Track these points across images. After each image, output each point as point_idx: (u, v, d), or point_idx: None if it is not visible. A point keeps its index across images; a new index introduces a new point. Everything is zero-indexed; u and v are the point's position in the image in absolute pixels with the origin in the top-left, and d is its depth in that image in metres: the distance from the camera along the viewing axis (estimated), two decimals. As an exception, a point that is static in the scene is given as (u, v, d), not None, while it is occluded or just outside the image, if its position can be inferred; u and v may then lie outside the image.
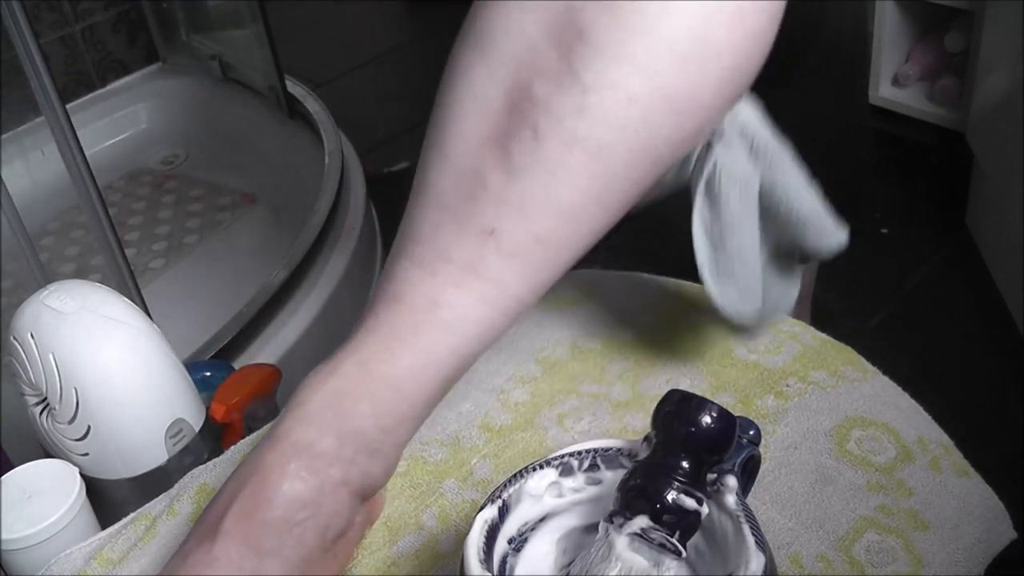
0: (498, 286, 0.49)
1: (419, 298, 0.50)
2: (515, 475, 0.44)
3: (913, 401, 0.60)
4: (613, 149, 0.48)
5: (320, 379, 0.50)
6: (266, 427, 0.63)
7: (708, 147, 0.58)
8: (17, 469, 0.61)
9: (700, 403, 0.41)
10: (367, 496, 0.51)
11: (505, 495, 0.43)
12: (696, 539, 0.42)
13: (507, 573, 0.43)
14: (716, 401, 0.41)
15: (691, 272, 0.70)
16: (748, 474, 0.48)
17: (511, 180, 0.49)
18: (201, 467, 0.61)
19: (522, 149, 0.48)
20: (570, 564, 0.43)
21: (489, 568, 0.41)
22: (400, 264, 0.51)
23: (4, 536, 0.58)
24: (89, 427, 0.62)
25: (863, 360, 0.62)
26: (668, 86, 0.47)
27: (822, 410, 0.59)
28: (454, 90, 0.51)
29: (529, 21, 0.49)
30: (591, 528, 0.45)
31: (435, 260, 0.50)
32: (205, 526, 0.49)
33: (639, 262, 0.74)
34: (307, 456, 0.49)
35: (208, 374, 0.76)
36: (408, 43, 2.30)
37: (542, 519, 0.45)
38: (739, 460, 0.44)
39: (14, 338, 0.62)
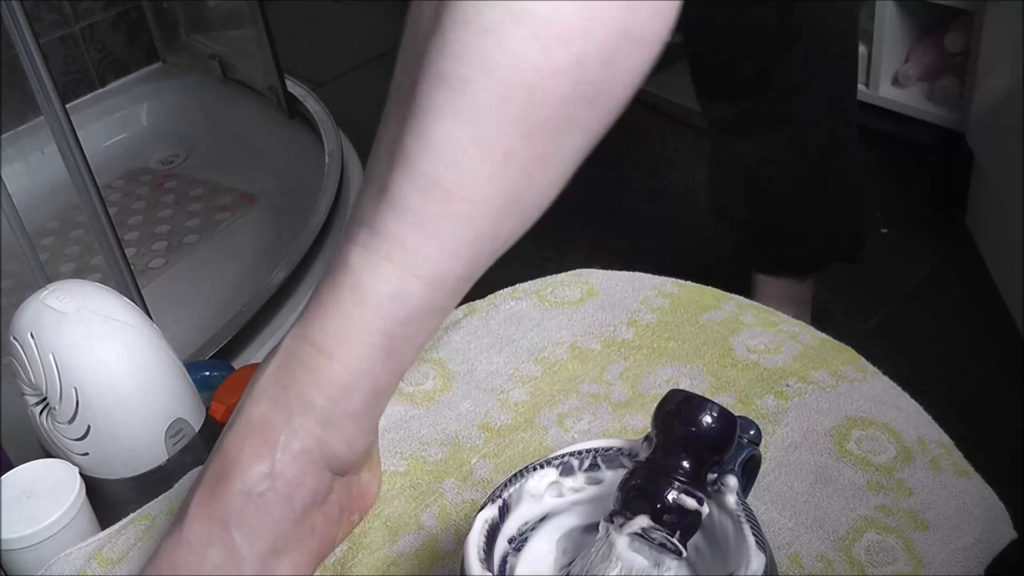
0: (398, 243, 0.49)
1: (339, 264, 0.51)
2: (515, 475, 0.44)
3: (913, 401, 0.60)
4: (476, 83, 0.47)
5: (268, 357, 0.52)
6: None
7: None
8: (17, 469, 0.61)
9: (700, 403, 0.41)
10: (336, 468, 0.52)
11: (505, 495, 0.43)
12: (696, 539, 0.42)
13: (507, 573, 0.43)
14: (716, 401, 0.41)
15: (691, 272, 0.71)
16: (748, 474, 0.48)
17: (398, 135, 0.49)
18: (200, 467, 0.61)
19: (405, 101, 0.49)
20: (570, 564, 0.43)
21: (489, 568, 0.41)
22: (340, 242, 0.53)
23: (4, 536, 0.58)
24: (89, 427, 0.62)
25: (863, 360, 0.62)
26: (522, 10, 0.46)
27: (822, 410, 0.59)
28: None
29: None
30: (591, 528, 0.45)
31: (352, 226, 0.52)
32: (176, 517, 0.51)
33: (639, 262, 0.75)
34: (260, 430, 0.50)
35: (208, 374, 0.76)
36: (408, 43, 2.30)
37: (542, 519, 0.45)
38: (739, 460, 0.44)
39: (14, 338, 0.62)
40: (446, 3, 0.48)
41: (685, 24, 1.15)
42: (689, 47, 1.14)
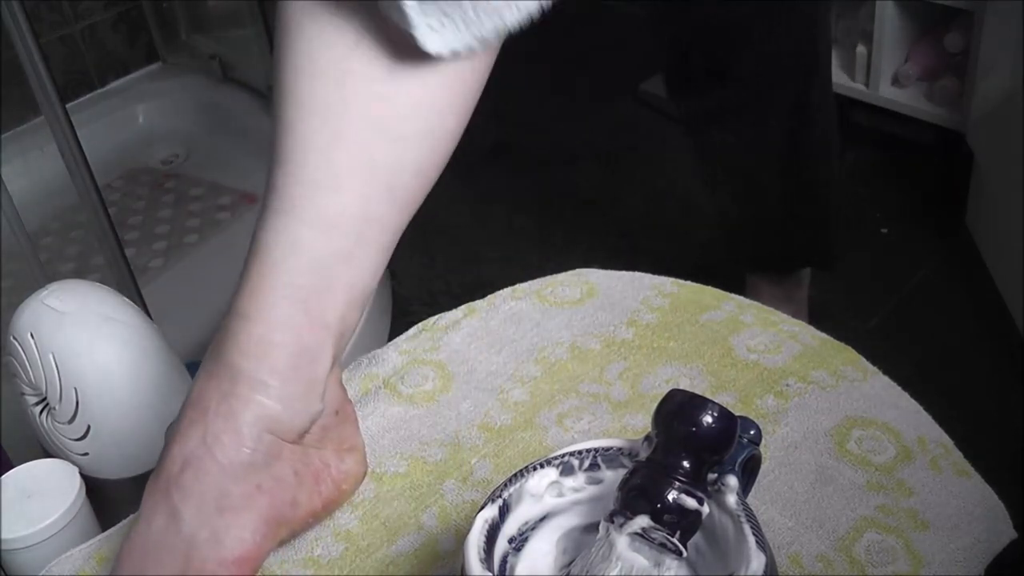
0: (286, 197, 0.52)
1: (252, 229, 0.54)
2: (515, 475, 0.44)
3: (913, 401, 0.60)
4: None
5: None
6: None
7: None
8: (17, 469, 0.61)
9: (701, 403, 0.41)
10: (280, 433, 0.52)
11: (505, 495, 0.43)
12: (697, 539, 0.42)
13: (507, 573, 0.43)
14: (716, 401, 0.41)
15: (691, 272, 0.71)
16: (748, 474, 0.48)
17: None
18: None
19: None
20: (570, 564, 0.43)
21: (489, 568, 0.41)
22: None
23: (4, 536, 0.58)
24: (89, 427, 0.62)
25: (863, 360, 0.62)
26: None
27: (822, 410, 0.59)
28: None
29: None
30: (591, 528, 0.45)
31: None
32: None
33: (639, 262, 0.75)
34: (196, 402, 0.52)
35: (208, 374, 0.76)
36: (408, 43, 2.30)
37: (542, 519, 0.45)
38: (739, 460, 0.44)
39: (14, 338, 0.62)
40: None
41: (658, 20, 1.16)
42: (661, 44, 1.16)
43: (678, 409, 0.41)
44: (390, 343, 0.67)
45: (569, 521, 0.45)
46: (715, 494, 0.42)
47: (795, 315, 1.14)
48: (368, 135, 0.53)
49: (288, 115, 0.53)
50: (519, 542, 0.44)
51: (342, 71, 0.52)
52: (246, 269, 0.53)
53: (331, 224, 0.53)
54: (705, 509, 0.41)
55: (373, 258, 0.54)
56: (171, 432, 0.52)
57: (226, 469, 0.50)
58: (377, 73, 0.52)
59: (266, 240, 0.53)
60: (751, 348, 0.63)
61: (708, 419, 0.41)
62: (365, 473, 0.57)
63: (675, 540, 0.40)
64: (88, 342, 0.61)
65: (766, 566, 0.39)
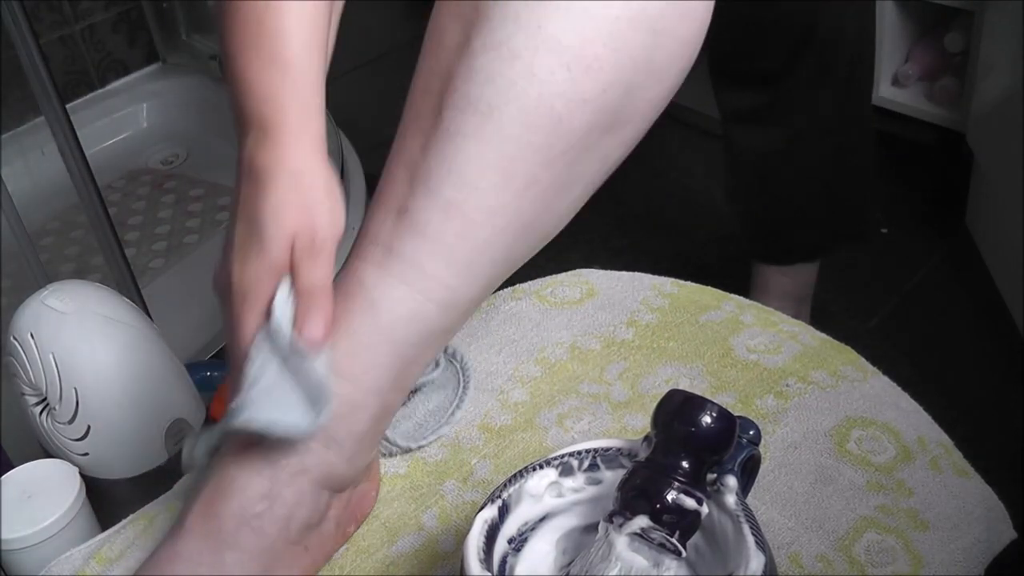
0: (415, 266, 0.49)
1: (351, 282, 0.51)
2: (515, 475, 0.44)
3: (913, 401, 0.60)
4: (503, 109, 0.47)
5: None
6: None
7: None
8: (17, 469, 0.61)
9: (700, 403, 0.41)
10: (335, 487, 0.51)
11: (505, 495, 0.43)
12: (696, 539, 0.42)
13: (507, 573, 0.43)
14: (716, 401, 0.41)
15: (691, 272, 0.71)
16: (748, 474, 0.48)
17: (420, 157, 0.49)
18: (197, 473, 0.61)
19: (429, 125, 0.49)
20: (570, 564, 0.43)
21: (489, 568, 0.41)
22: (348, 256, 0.53)
23: (4, 536, 0.58)
24: (89, 427, 0.62)
25: (863, 360, 0.62)
26: (551, 39, 0.46)
27: (822, 410, 0.59)
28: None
29: (441, 8, 0.51)
30: (591, 528, 0.45)
31: (364, 244, 0.51)
32: (174, 526, 0.50)
33: (639, 262, 0.74)
34: (261, 448, 0.49)
35: (208, 374, 0.76)
36: (408, 43, 2.30)
37: (542, 519, 0.45)
38: (739, 460, 0.44)
39: (14, 338, 0.62)
40: (476, 25, 0.48)
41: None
42: (710, 38, 1.15)
43: (678, 409, 0.41)
44: (390, 343, 0.67)
45: (569, 521, 0.45)
46: (714, 494, 0.42)
47: (799, 313, 1.13)
48: (516, 238, 0.51)
49: (438, 182, 0.49)
50: (519, 542, 0.44)
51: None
52: (346, 320, 0.50)
53: (455, 304, 0.51)
54: (704, 509, 0.41)
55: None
56: (228, 463, 0.49)
57: (284, 532, 0.49)
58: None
59: (382, 302, 0.50)
60: (751, 348, 0.63)
61: (707, 419, 0.41)
62: (379, 481, 0.57)
63: (674, 540, 0.40)
64: (88, 342, 0.61)
65: (765, 566, 0.39)
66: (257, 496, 0.49)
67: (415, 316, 0.50)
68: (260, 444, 0.49)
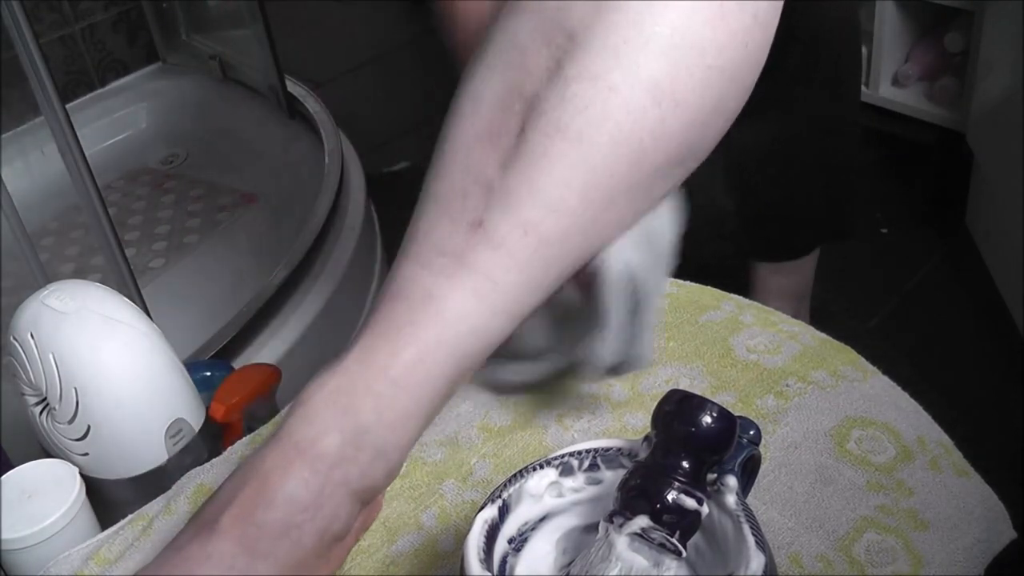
0: (488, 279, 0.50)
1: (415, 292, 0.51)
2: (515, 475, 0.44)
3: (913, 401, 0.60)
4: (593, 138, 0.49)
5: (324, 377, 0.51)
6: (264, 427, 0.63)
7: None
8: (17, 469, 0.61)
9: (700, 403, 0.41)
10: (366, 500, 0.51)
11: (505, 495, 0.43)
12: (696, 539, 0.42)
13: (507, 573, 0.43)
14: (716, 401, 0.41)
15: (691, 272, 0.71)
16: (748, 474, 0.48)
17: (499, 174, 0.50)
18: (199, 467, 0.61)
19: (510, 143, 0.50)
20: (570, 564, 0.43)
21: (489, 568, 0.41)
22: (401, 263, 0.52)
23: (4, 536, 0.58)
24: (89, 427, 0.62)
25: (863, 360, 0.62)
26: (648, 78, 0.49)
27: (822, 410, 0.59)
28: (458, 96, 0.53)
29: (522, 26, 0.51)
30: (591, 528, 0.45)
31: (430, 254, 0.51)
32: (202, 522, 0.49)
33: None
34: (310, 456, 0.49)
35: (208, 374, 0.76)
36: (408, 43, 2.30)
37: (542, 519, 0.45)
38: (739, 460, 0.44)
39: (14, 338, 0.62)
40: (571, 54, 0.49)
41: None
42: None
43: (678, 409, 0.41)
44: (390, 343, 0.67)
45: (569, 521, 0.45)
46: (715, 494, 0.42)
47: (799, 311, 1.13)
48: (581, 257, 0.53)
49: (520, 202, 0.50)
50: (519, 542, 0.44)
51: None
52: (411, 329, 0.50)
53: (519, 317, 0.52)
54: (704, 509, 0.41)
55: None
56: (271, 467, 0.49)
57: (319, 545, 0.49)
58: None
59: (452, 313, 0.50)
60: (751, 348, 0.63)
61: (708, 419, 0.41)
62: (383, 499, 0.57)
63: (674, 540, 0.40)
64: (88, 342, 0.61)
65: (765, 566, 0.39)
66: (300, 507, 0.48)
67: (481, 329, 0.50)
68: (306, 453, 0.49)
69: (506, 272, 0.50)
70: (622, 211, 0.52)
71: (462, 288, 0.50)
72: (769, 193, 1.23)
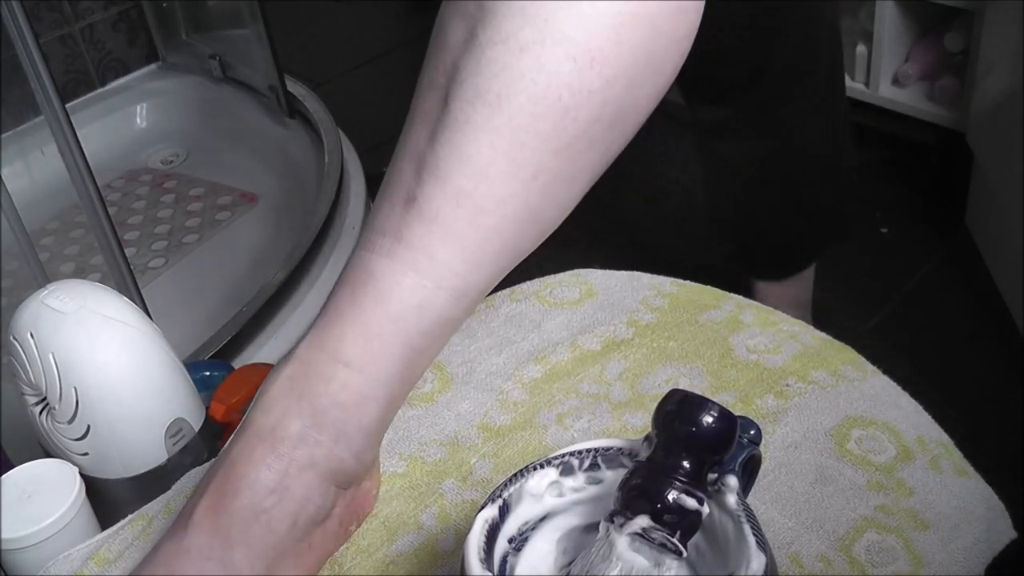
0: (425, 254, 0.50)
1: (359, 275, 0.51)
2: (515, 474, 0.44)
3: (913, 401, 0.60)
4: (512, 99, 0.49)
5: (279, 367, 0.52)
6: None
7: None
8: (17, 469, 0.61)
9: (701, 403, 0.41)
10: (342, 483, 0.51)
11: (505, 494, 0.43)
12: (697, 539, 0.42)
13: (507, 573, 0.43)
14: (716, 401, 0.41)
15: (691, 272, 0.71)
16: (748, 474, 0.48)
17: (428, 147, 0.50)
18: (199, 467, 0.61)
19: (436, 117, 0.50)
20: (570, 564, 0.43)
21: (489, 568, 0.41)
22: (352, 252, 0.53)
23: (4, 536, 0.58)
24: (89, 427, 0.61)
25: (863, 360, 0.62)
26: (559, 33, 0.48)
27: (822, 410, 0.59)
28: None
29: (445, 9, 0.52)
30: (591, 528, 0.45)
31: (372, 236, 0.52)
32: (179, 520, 0.50)
33: (639, 262, 0.74)
34: (270, 441, 0.49)
35: (208, 374, 0.76)
36: (408, 43, 2.30)
37: (542, 519, 0.45)
38: (739, 460, 0.44)
39: (14, 338, 0.62)
40: (482, 21, 0.49)
41: None
42: None
43: (678, 409, 0.41)
44: (390, 343, 0.67)
45: (569, 521, 0.45)
46: (715, 494, 0.42)
47: (801, 315, 1.13)
48: (523, 228, 0.52)
49: (448, 172, 0.50)
50: (519, 542, 0.44)
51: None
52: (356, 310, 0.51)
53: (464, 293, 0.51)
54: (705, 509, 0.41)
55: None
56: (236, 457, 0.50)
57: (292, 528, 0.49)
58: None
59: (392, 290, 0.50)
60: (751, 348, 0.63)
61: (708, 419, 0.41)
62: (379, 481, 0.57)
63: (675, 540, 0.40)
64: (88, 342, 0.61)
65: (766, 566, 0.39)
66: (267, 491, 0.49)
67: (425, 305, 0.50)
68: (267, 439, 0.49)
69: (442, 244, 0.50)
70: (556, 178, 0.51)
71: (401, 264, 0.50)
72: (761, 210, 1.23)
